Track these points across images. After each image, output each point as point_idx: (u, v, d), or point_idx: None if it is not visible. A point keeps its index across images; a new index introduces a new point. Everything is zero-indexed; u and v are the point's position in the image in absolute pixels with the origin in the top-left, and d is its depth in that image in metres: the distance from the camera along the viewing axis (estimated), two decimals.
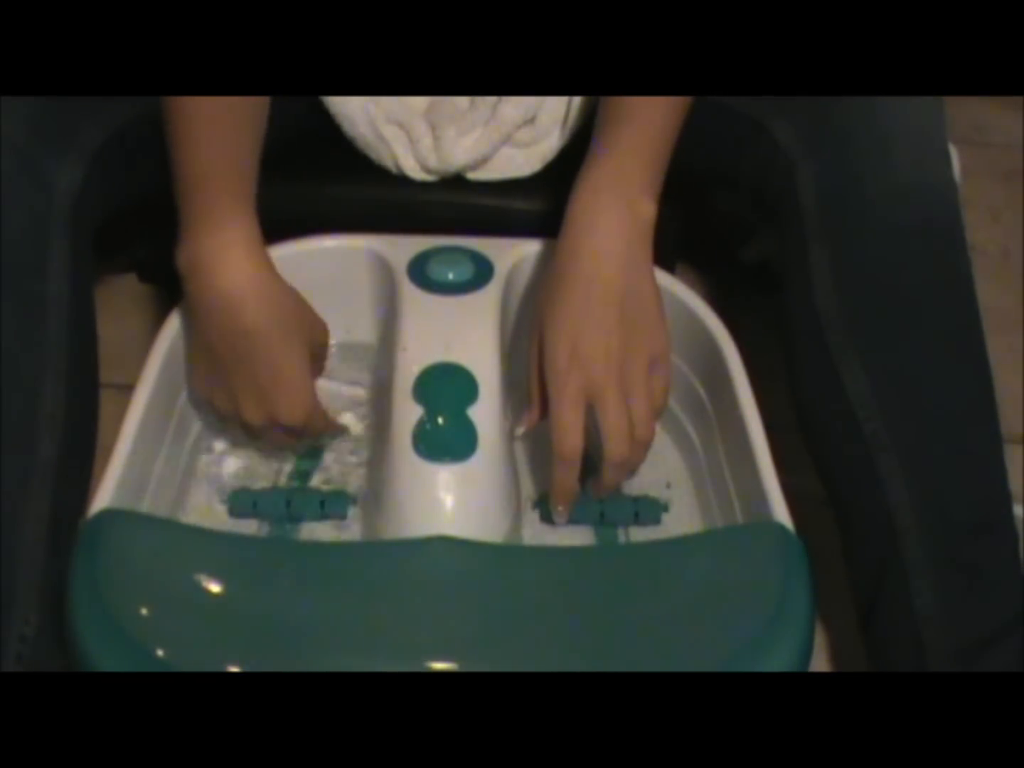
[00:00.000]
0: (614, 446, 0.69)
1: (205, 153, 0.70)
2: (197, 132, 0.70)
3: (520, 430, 0.73)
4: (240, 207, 0.72)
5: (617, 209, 0.70)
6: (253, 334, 0.70)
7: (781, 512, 0.67)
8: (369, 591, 0.63)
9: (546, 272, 0.73)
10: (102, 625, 0.60)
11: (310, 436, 0.77)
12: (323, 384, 0.82)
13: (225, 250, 0.70)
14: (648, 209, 0.71)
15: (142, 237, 0.99)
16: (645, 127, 0.71)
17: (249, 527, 0.76)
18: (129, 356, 0.75)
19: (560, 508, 0.72)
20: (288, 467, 0.81)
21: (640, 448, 0.70)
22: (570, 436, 0.68)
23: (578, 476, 0.70)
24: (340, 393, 0.85)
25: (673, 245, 0.79)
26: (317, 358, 0.79)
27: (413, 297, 0.78)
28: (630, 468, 0.71)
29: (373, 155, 0.85)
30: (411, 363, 0.73)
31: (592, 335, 0.68)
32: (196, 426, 0.81)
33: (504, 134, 0.84)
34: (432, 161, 0.84)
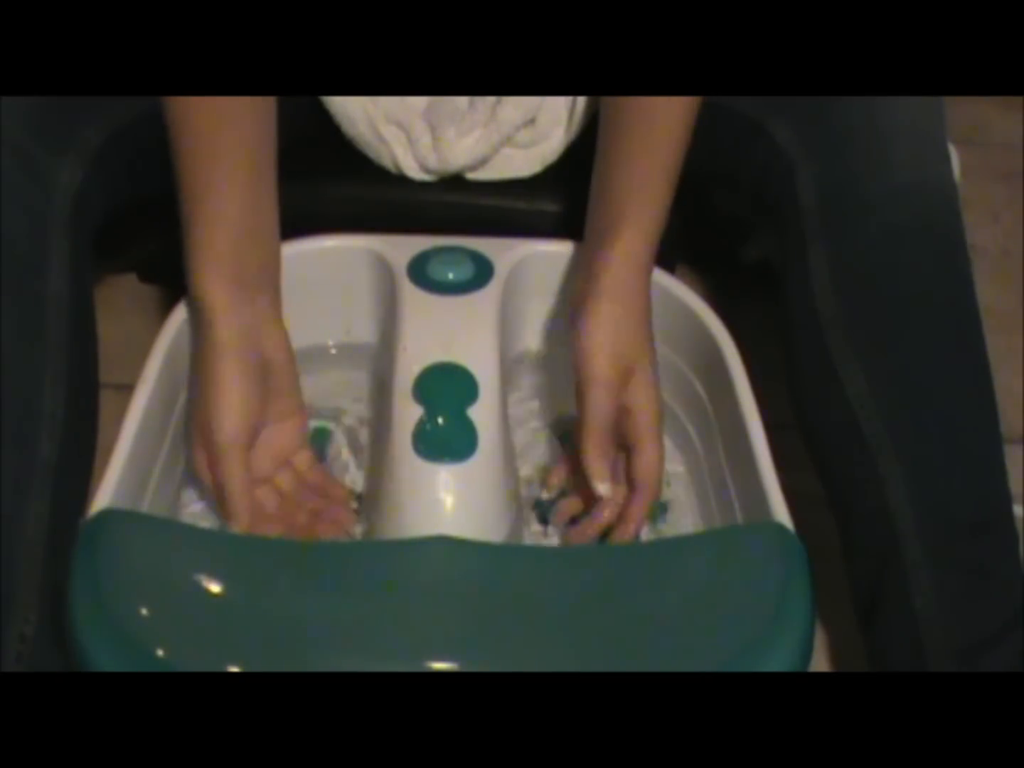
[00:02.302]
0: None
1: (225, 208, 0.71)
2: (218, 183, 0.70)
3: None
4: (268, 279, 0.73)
5: (615, 314, 0.71)
6: (222, 349, 0.69)
7: (781, 512, 0.67)
8: (369, 591, 0.63)
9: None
10: (102, 625, 0.60)
11: (236, 484, 0.69)
12: (324, 383, 0.82)
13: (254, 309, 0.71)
14: (644, 302, 0.73)
15: (142, 237, 0.99)
16: (638, 229, 0.72)
17: None
18: (129, 356, 0.75)
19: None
20: None
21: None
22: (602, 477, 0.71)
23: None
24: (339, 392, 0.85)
25: (673, 245, 0.79)
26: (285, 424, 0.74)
27: (413, 297, 0.78)
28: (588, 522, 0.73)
29: (372, 155, 0.85)
30: (411, 363, 0.73)
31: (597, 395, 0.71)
32: None
33: (504, 135, 0.84)
34: (431, 161, 0.84)
